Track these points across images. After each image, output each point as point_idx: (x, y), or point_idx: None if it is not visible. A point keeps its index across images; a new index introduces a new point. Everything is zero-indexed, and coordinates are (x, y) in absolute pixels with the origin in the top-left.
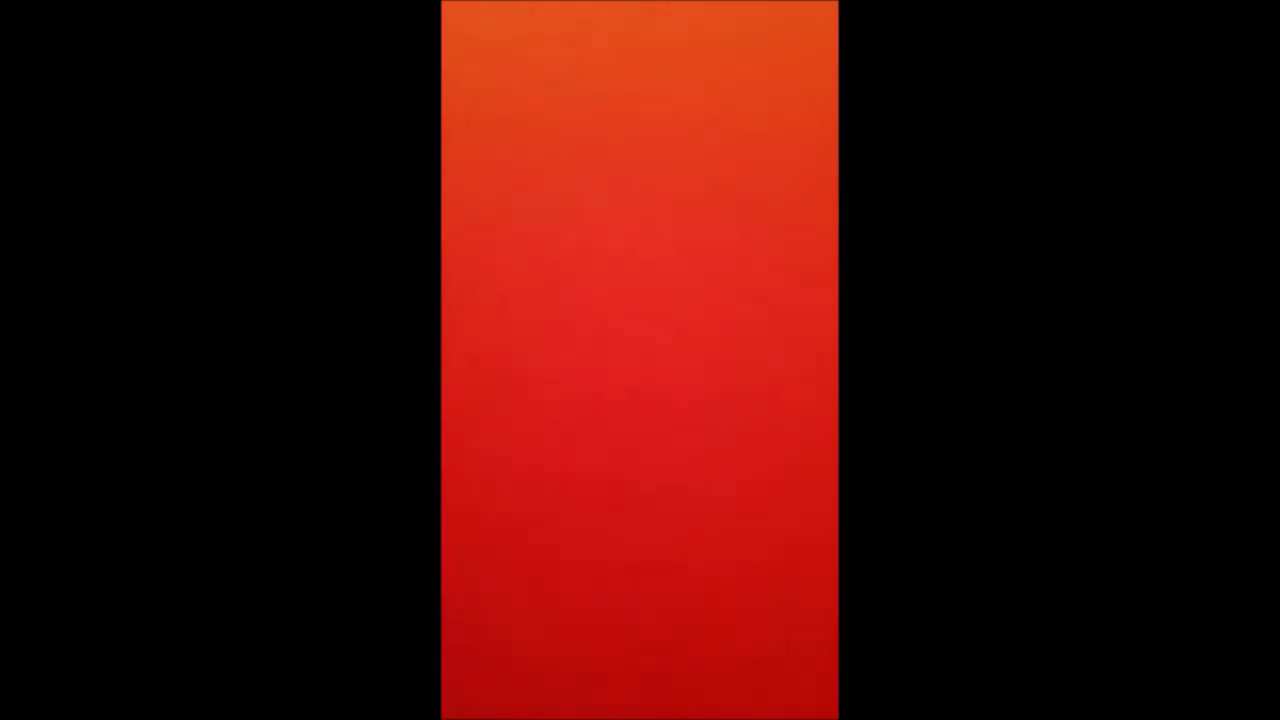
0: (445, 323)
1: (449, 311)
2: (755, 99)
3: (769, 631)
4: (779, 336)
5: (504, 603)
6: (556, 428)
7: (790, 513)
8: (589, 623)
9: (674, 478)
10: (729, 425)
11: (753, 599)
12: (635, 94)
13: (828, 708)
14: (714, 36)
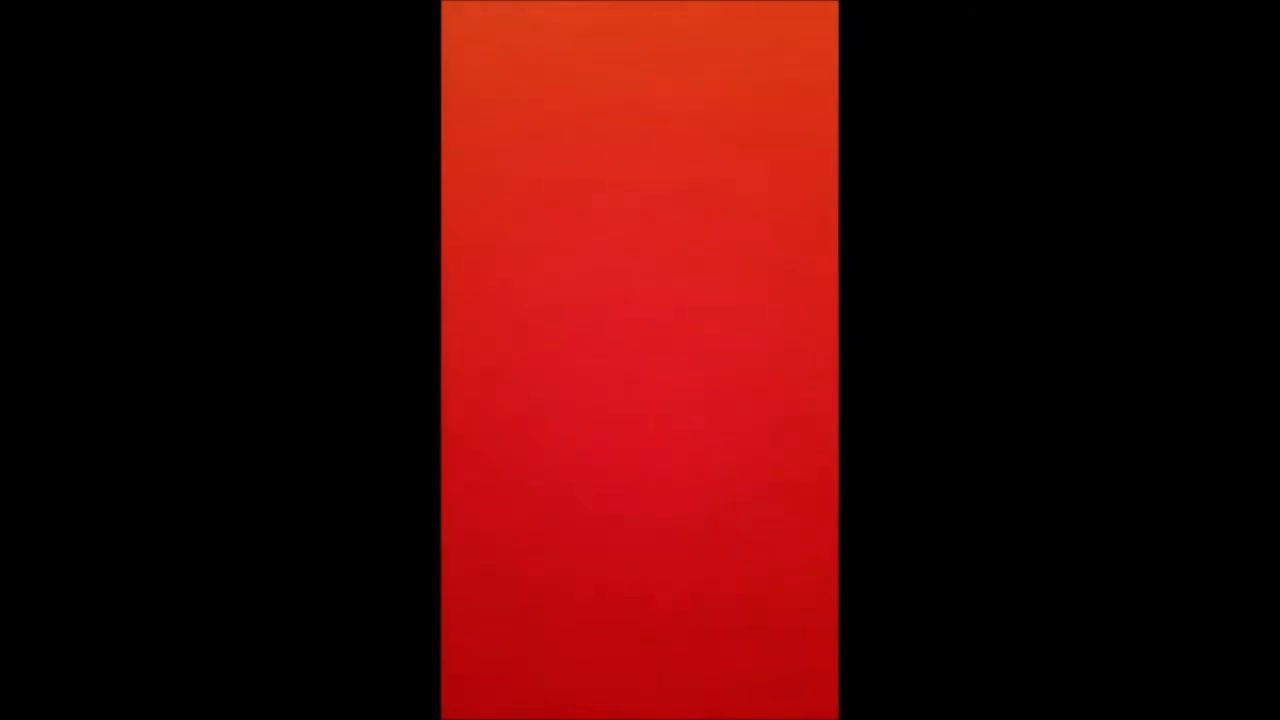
0: (445, 323)
1: (449, 311)
2: (755, 99)
3: (769, 632)
4: (779, 336)
5: (504, 603)
6: (557, 428)
7: (790, 513)
8: (589, 623)
9: (674, 478)
10: (729, 425)
11: (753, 599)
12: (635, 94)
13: (828, 708)
14: (714, 36)
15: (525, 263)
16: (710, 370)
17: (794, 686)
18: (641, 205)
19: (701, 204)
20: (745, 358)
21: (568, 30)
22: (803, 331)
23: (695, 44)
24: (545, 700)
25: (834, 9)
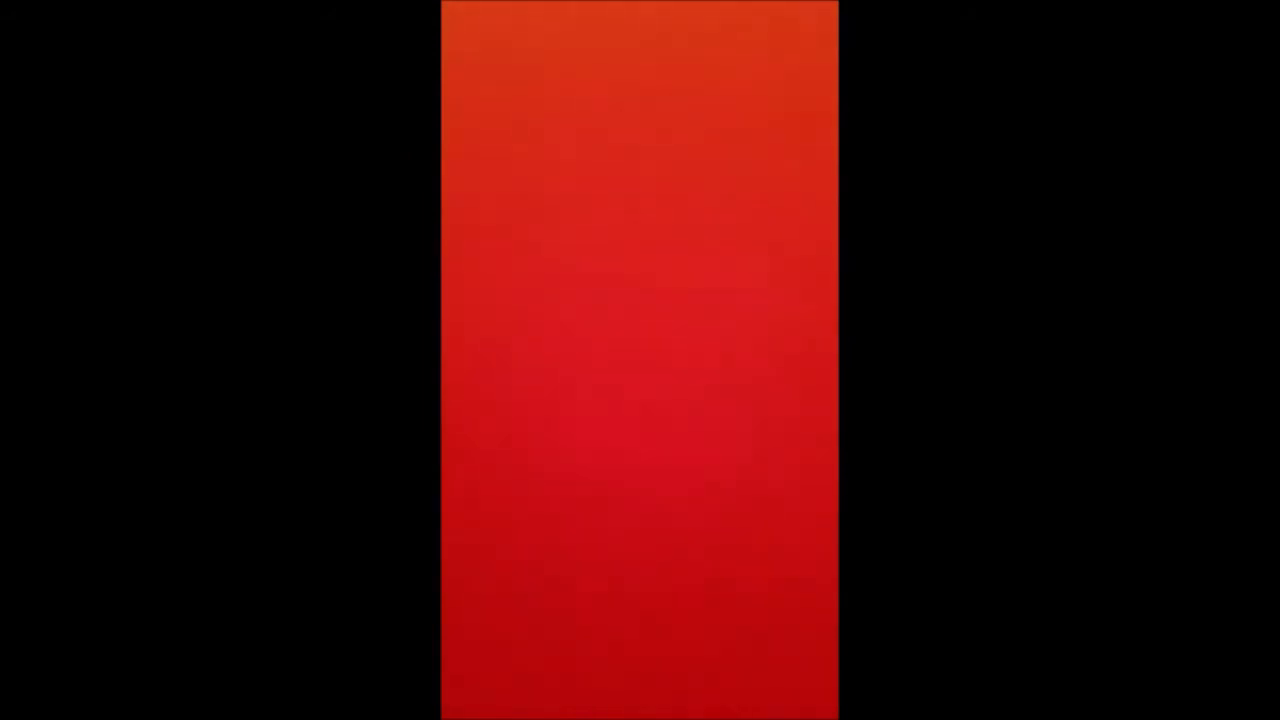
0: (445, 323)
1: (449, 311)
2: (755, 99)
3: (769, 631)
4: (779, 336)
5: (504, 603)
6: (557, 427)
7: (790, 513)
8: (589, 622)
9: (674, 477)
10: (729, 425)
11: (753, 599)
12: (635, 94)
13: (828, 708)
14: (714, 36)
15: (525, 262)
16: (710, 370)
17: (794, 686)
18: (641, 205)
19: (701, 204)
20: (745, 358)
21: (568, 30)
22: (803, 330)
23: (695, 44)
24: (545, 700)
25: (834, 9)
